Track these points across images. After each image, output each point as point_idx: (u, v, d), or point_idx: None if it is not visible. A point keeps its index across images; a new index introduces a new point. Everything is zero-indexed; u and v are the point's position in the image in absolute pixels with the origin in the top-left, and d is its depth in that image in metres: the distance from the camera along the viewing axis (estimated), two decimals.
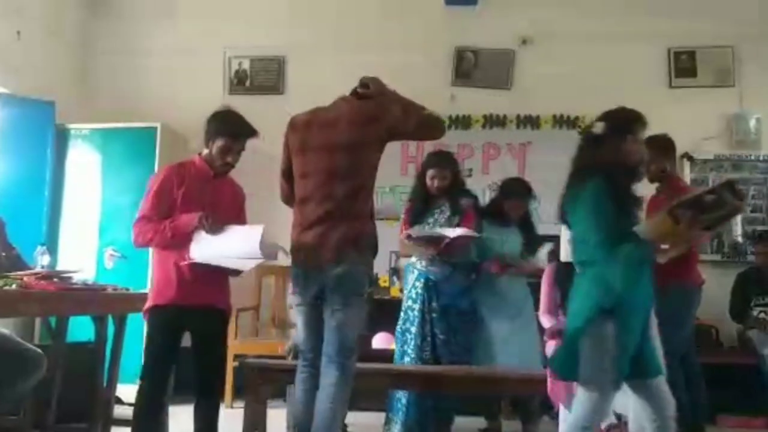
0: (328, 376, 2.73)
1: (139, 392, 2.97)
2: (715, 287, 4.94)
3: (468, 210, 3.90)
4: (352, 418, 4.11)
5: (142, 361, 3.00)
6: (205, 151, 3.06)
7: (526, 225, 4.16)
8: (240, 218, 3.16)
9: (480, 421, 4.19)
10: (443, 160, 3.96)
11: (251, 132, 3.03)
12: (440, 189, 3.90)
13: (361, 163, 2.80)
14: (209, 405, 3.05)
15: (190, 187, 3.00)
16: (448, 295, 3.84)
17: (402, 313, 3.89)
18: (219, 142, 2.99)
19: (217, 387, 3.11)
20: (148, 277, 5.00)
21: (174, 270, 2.95)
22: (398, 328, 3.89)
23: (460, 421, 4.16)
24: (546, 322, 3.54)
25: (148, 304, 3.01)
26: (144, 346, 3.01)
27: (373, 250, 2.87)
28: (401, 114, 2.82)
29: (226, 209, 3.07)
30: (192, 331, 3.06)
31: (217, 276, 3.02)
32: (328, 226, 2.76)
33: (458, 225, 3.81)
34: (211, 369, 3.06)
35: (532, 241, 4.11)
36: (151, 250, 3.15)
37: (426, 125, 2.88)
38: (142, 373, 2.99)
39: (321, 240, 2.76)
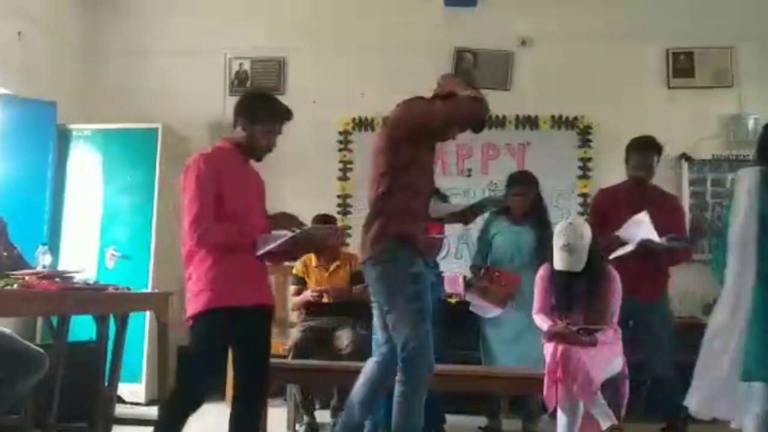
0: (397, 377, 2.71)
1: (171, 402, 2.80)
2: (716, 287, 4.94)
3: None
4: None
5: (187, 367, 2.79)
6: (239, 134, 2.89)
7: (539, 223, 4.07)
8: (264, 205, 3.04)
9: (480, 420, 4.21)
10: None
11: (290, 113, 2.96)
12: None
13: (389, 165, 2.80)
14: (256, 413, 2.93)
15: (231, 176, 2.80)
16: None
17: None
18: (262, 125, 2.86)
19: (266, 392, 3.00)
20: (150, 277, 5.04)
21: (237, 268, 2.76)
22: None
23: (460, 419, 4.19)
24: (540, 321, 3.54)
25: (205, 306, 2.71)
26: (193, 351, 2.78)
27: (410, 246, 2.78)
28: (430, 109, 2.84)
29: (259, 196, 2.98)
30: (243, 333, 2.83)
31: (265, 271, 2.98)
32: (366, 226, 2.84)
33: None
34: (264, 373, 2.90)
35: (546, 240, 4.02)
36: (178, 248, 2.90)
37: (453, 116, 2.84)
38: (184, 381, 2.78)
39: (362, 240, 2.84)
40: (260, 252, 2.79)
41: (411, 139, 2.79)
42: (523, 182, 4.14)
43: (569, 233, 3.39)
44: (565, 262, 3.38)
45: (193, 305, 2.76)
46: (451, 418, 4.01)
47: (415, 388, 2.67)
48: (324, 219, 4.39)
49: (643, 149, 3.93)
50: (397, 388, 2.69)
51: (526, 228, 4.10)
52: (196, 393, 2.74)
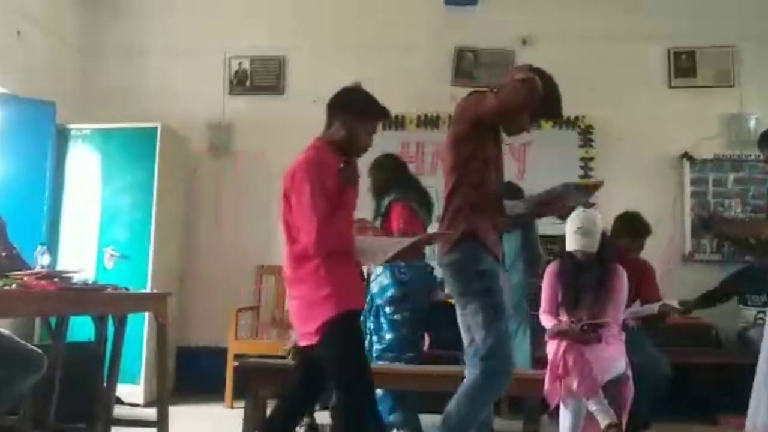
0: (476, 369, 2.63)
1: (355, 417, 2.59)
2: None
3: (392, 208, 3.93)
4: None
5: (348, 379, 2.60)
6: (336, 133, 2.75)
7: (524, 226, 4.07)
8: None
9: None
10: None
11: (388, 113, 2.88)
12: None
13: (453, 162, 2.75)
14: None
15: (336, 176, 2.67)
16: (377, 295, 3.91)
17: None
18: (366, 123, 2.75)
19: None
20: (149, 277, 5.02)
21: (350, 271, 2.71)
22: None
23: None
24: (546, 321, 3.55)
25: (335, 310, 2.59)
26: (344, 357, 2.61)
27: (475, 242, 2.69)
28: (482, 102, 2.70)
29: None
30: None
31: None
32: (441, 223, 2.79)
33: (383, 225, 3.88)
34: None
35: (531, 242, 4.07)
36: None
37: (503, 105, 2.66)
38: (356, 394, 2.59)
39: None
40: (388, 257, 2.73)
41: (468, 135, 2.71)
42: (508, 196, 4.11)
43: (583, 218, 3.50)
44: (579, 244, 3.47)
45: (320, 312, 2.60)
46: None
47: (488, 384, 2.61)
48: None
49: (637, 235, 4.18)
50: (471, 377, 2.61)
51: (514, 233, 4.12)
52: (371, 392, 2.65)
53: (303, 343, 2.73)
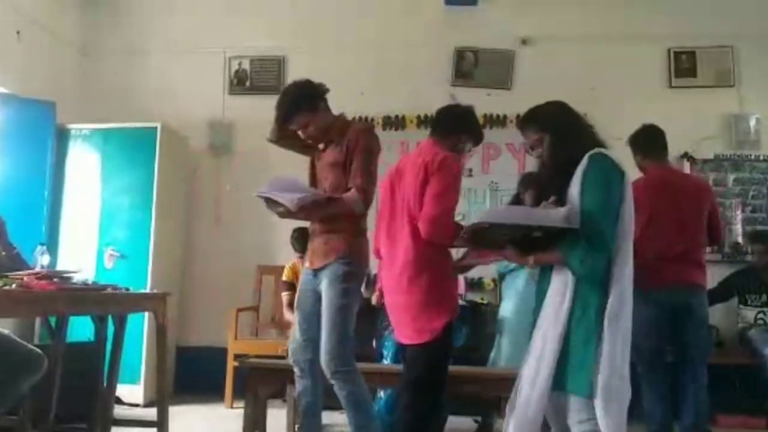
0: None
1: (422, 407, 2.72)
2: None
3: None
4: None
5: (432, 385, 2.71)
6: (448, 143, 3.08)
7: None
8: None
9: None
10: None
11: None
12: None
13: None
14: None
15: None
16: None
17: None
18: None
19: None
20: (148, 277, 5.02)
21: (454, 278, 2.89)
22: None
23: (460, 420, 4.18)
24: None
25: (448, 318, 2.71)
26: (437, 363, 2.73)
27: None
28: None
29: None
30: None
31: None
32: None
33: None
34: None
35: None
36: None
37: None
38: (432, 388, 2.73)
39: None
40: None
41: None
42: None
43: None
44: None
45: (433, 317, 2.69)
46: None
47: None
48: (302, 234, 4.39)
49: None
50: None
51: None
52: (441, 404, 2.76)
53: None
